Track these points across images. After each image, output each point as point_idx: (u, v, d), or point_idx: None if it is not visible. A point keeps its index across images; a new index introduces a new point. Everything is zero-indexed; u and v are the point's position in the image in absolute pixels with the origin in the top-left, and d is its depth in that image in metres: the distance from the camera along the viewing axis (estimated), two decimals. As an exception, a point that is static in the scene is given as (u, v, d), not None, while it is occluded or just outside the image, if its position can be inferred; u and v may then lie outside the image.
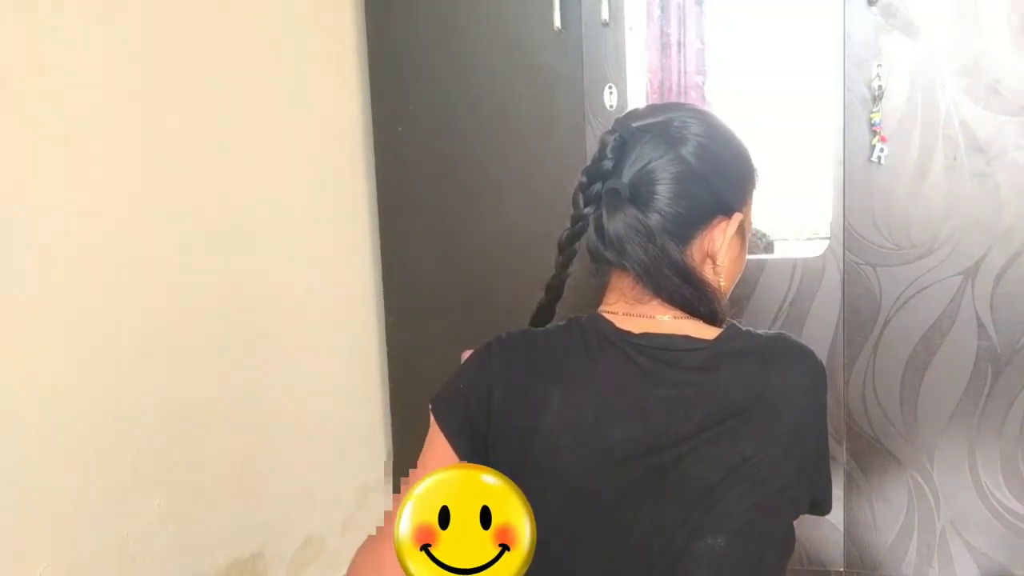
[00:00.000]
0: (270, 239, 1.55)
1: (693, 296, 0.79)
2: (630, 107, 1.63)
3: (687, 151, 0.79)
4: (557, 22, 1.63)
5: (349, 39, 1.81)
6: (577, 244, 0.86)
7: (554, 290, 0.90)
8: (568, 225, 0.85)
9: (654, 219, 0.78)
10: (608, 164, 0.81)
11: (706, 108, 0.86)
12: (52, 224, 1.10)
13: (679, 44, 2.06)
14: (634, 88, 1.66)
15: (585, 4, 1.64)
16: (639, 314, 0.80)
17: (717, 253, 0.81)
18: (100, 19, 1.17)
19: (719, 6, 2.12)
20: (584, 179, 0.82)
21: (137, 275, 1.24)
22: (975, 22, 1.47)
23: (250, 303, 1.49)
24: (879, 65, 1.51)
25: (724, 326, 0.80)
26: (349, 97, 1.81)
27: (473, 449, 0.78)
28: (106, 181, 1.19)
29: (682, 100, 2.06)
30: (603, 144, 0.82)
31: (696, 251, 0.81)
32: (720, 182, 0.80)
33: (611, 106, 1.65)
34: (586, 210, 0.83)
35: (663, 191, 0.78)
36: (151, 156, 1.27)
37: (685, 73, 2.07)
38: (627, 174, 0.80)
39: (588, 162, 0.83)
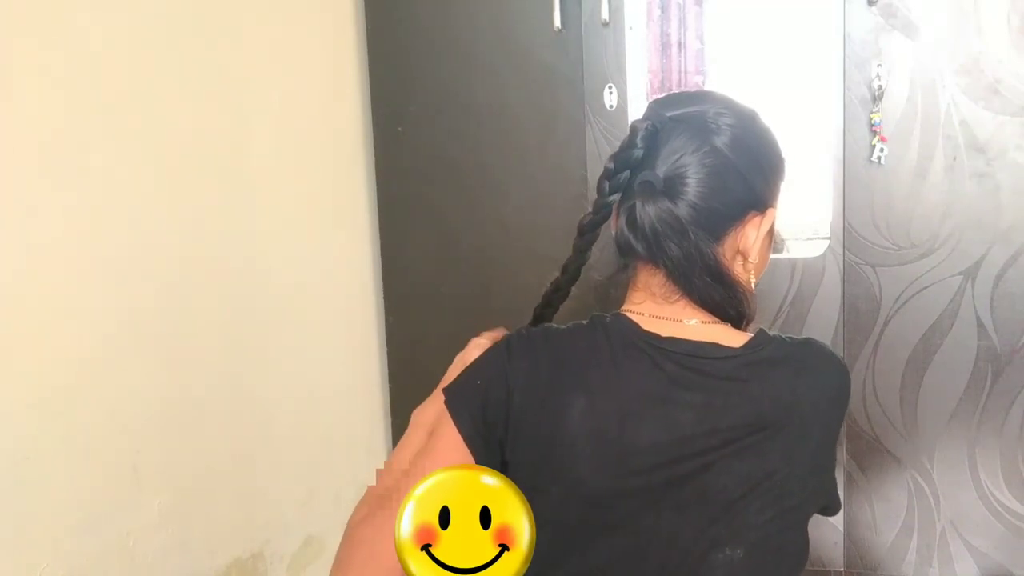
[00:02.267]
0: (270, 239, 1.55)
1: (723, 298, 0.77)
2: (630, 107, 1.64)
3: (722, 143, 0.76)
4: (557, 22, 1.63)
5: (349, 39, 1.81)
6: (598, 231, 0.84)
7: (570, 271, 0.87)
8: (590, 210, 0.82)
9: (688, 214, 0.75)
10: (638, 153, 0.77)
11: (736, 98, 0.82)
12: (51, 223, 1.10)
13: (679, 44, 2.05)
14: (634, 88, 1.66)
15: (585, 4, 1.63)
16: (667, 316, 0.78)
17: (750, 250, 0.79)
18: (99, 17, 1.17)
19: (719, 6, 2.12)
20: (611, 165, 0.79)
21: (137, 275, 1.24)
22: (975, 22, 1.47)
23: (250, 303, 1.49)
24: (879, 65, 1.51)
25: (753, 332, 0.78)
26: (349, 97, 1.81)
27: (488, 450, 0.75)
28: (105, 181, 1.19)
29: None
30: (634, 132, 0.78)
31: (728, 248, 0.78)
32: (755, 176, 0.78)
33: (611, 106, 1.65)
34: (611, 198, 0.80)
35: (698, 185, 0.75)
36: (151, 156, 1.27)
37: (685, 73, 2.07)
38: (660, 166, 0.77)
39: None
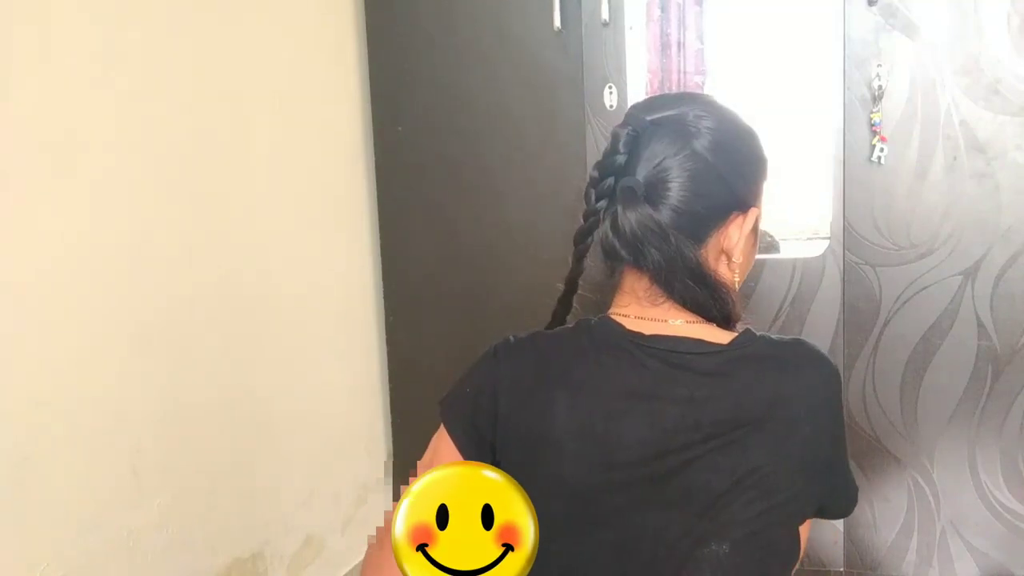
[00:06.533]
0: (270, 239, 1.54)
1: (707, 299, 0.77)
2: (630, 107, 1.63)
3: (702, 146, 0.77)
4: (557, 22, 1.63)
5: (349, 39, 1.81)
6: (589, 239, 0.85)
7: (570, 283, 0.88)
8: (581, 220, 0.83)
9: (670, 218, 0.76)
10: (621, 159, 0.78)
11: (717, 99, 0.84)
12: (51, 224, 1.10)
13: (679, 44, 2.05)
14: (634, 88, 1.66)
15: (585, 4, 1.63)
16: (651, 317, 0.78)
17: (733, 250, 0.79)
18: (99, 17, 1.17)
19: (719, 6, 2.12)
20: (596, 173, 0.80)
21: (137, 275, 1.24)
22: (975, 22, 1.47)
23: (250, 303, 1.49)
24: (879, 65, 1.51)
25: (739, 331, 0.79)
26: (349, 97, 1.81)
27: (480, 455, 0.77)
28: (106, 181, 1.19)
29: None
30: (615, 138, 0.79)
31: (711, 249, 0.79)
32: (735, 178, 0.78)
33: (611, 106, 1.64)
34: (598, 204, 0.80)
35: (679, 189, 0.76)
36: (151, 156, 1.26)
37: (685, 73, 2.07)
38: (641, 171, 0.77)
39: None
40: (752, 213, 0.80)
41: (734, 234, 0.79)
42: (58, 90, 1.11)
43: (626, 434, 0.73)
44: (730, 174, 0.78)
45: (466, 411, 0.78)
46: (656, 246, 0.76)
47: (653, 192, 0.77)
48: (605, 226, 0.80)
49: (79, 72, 1.14)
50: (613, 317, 0.80)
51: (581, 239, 0.84)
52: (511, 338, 0.81)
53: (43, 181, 1.09)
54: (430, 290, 1.85)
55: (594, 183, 0.81)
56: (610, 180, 0.79)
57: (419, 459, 0.80)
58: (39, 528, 1.08)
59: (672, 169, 0.77)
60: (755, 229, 0.82)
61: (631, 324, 0.78)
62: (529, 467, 0.74)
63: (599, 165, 0.80)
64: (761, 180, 0.83)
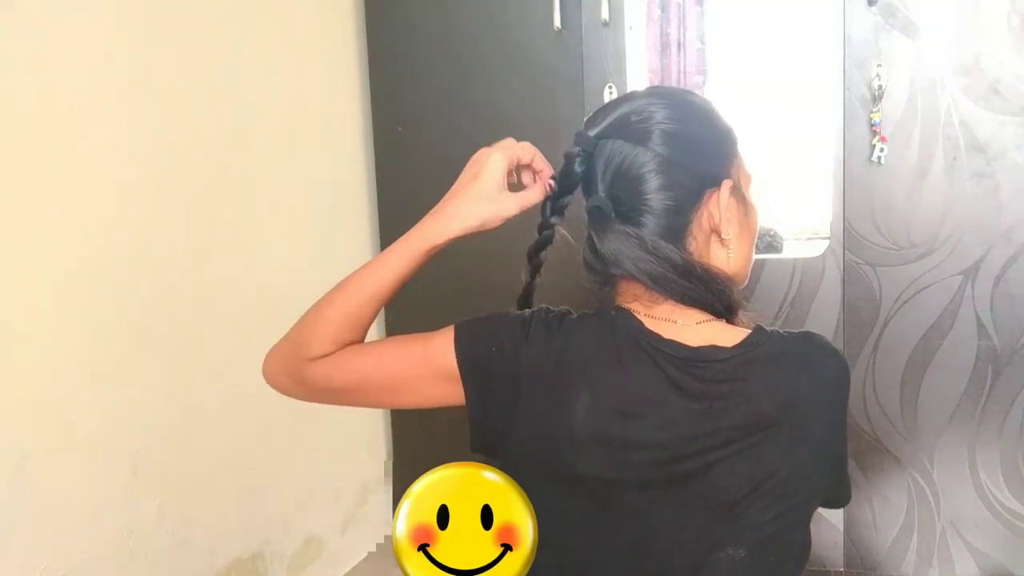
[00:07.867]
0: (270, 239, 1.55)
1: (704, 294, 0.77)
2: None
3: (654, 144, 0.77)
4: (557, 22, 1.63)
5: (349, 39, 1.81)
6: (543, 254, 0.86)
7: (523, 301, 0.90)
8: (536, 235, 0.85)
9: (643, 225, 0.77)
10: (577, 178, 0.80)
11: (661, 88, 0.86)
12: (51, 224, 1.10)
13: (679, 44, 2.05)
14: (634, 88, 1.66)
15: (585, 4, 1.63)
16: (662, 316, 0.78)
17: (719, 225, 0.78)
18: (99, 18, 1.17)
19: (719, 6, 2.12)
20: (556, 189, 0.83)
21: (138, 276, 1.24)
22: (975, 22, 1.47)
23: (250, 303, 1.49)
24: (879, 65, 1.51)
25: (749, 326, 0.79)
26: (349, 97, 1.81)
27: (486, 413, 0.77)
28: (107, 182, 1.19)
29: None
30: (569, 159, 0.80)
31: (697, 232, 0.78)
32: (697, 160, 0.78)
33: (611, 106, 1.64)
34: (552, 219, 0.83)
35: (643, 193, 0.77)
36: (152, 157, 1.27)
37: (685, 73, 2.07)
38: (602, 187, 0.79)
39: None
40: (725, 185, 0.78)
41: (714, 211, 0.78)
42: (59, 91, 1.11)
43: (644, 435, 0.73)
44: (690, 159, 0.78)
45: (480, 367, 0.78)
46: (639, 257, 0.76)
47: (620, 204, 0.78)
48: (584, 247, 0.81)
49: (80, 73, 1.14)
50: (629, 311, 0.79)
51: (535, 253, 0.85)
52: (541, 315, 0.81)
53: (44, 182, 1.09)
54: (430, 290, 1.84)
55: (551, 198, 0.83)
56: (568, 198, 0.82)
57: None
58: (39, 528, 1.08)
59: (630, 175, 0.77)
60: (738, 195, 0.80)
61: (648, 323, 0.78)
62: (546, 462, 0.75)
63: (557, 183, 0.82)
64: (726, 151, 0.81)
